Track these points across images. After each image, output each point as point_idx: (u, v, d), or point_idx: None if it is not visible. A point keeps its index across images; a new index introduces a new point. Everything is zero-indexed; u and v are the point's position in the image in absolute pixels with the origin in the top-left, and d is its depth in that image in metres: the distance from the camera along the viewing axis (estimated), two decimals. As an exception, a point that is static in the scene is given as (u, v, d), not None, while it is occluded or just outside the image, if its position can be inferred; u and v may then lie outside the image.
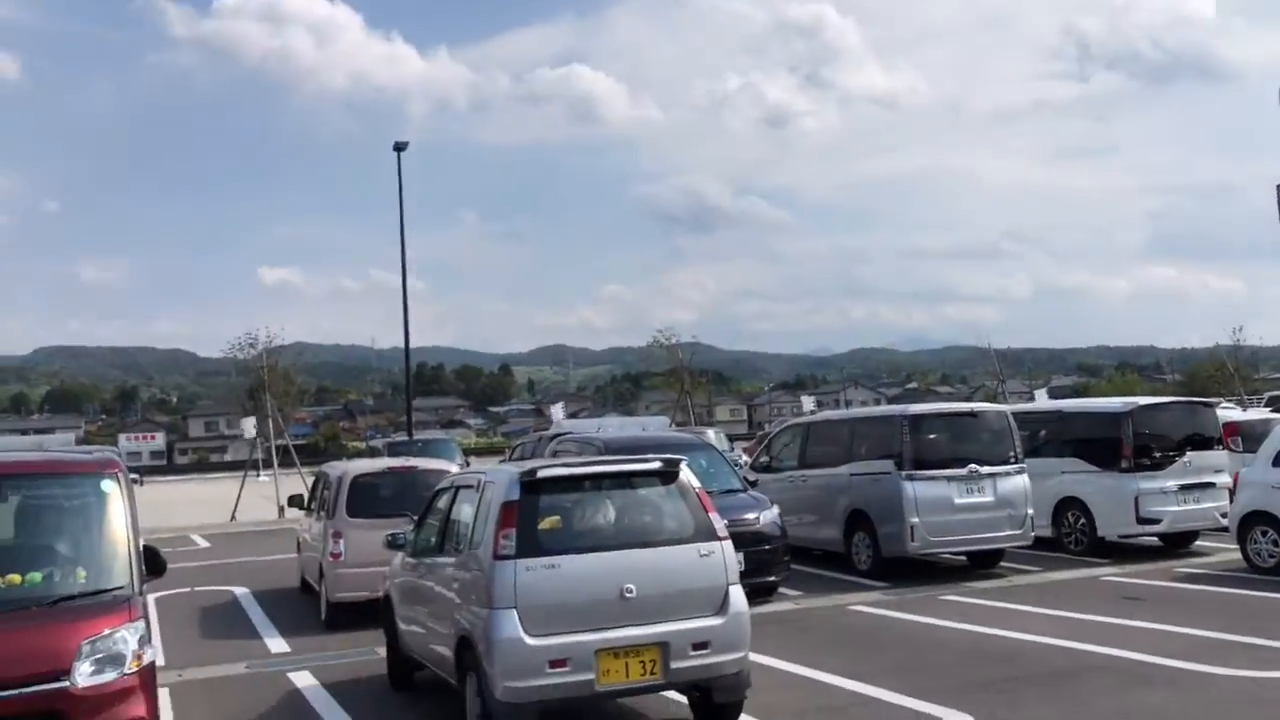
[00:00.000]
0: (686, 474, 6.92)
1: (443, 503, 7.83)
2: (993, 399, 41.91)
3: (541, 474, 6.66)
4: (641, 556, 6.49)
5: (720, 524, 6.79)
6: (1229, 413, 18.09)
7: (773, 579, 11.88)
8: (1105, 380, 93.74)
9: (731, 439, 39.50)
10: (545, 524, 6.50)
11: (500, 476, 6.77)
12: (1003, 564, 13.37)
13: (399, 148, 29.07)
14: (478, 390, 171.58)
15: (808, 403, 53.22)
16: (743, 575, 11.38)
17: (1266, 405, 21.25)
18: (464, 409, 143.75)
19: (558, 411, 42.72)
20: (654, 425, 35.94)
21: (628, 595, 6.31)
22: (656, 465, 6.91)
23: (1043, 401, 25.42)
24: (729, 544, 6.77)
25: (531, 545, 6.33)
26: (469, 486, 7.28)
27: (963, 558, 13.53)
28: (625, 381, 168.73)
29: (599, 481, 6.90)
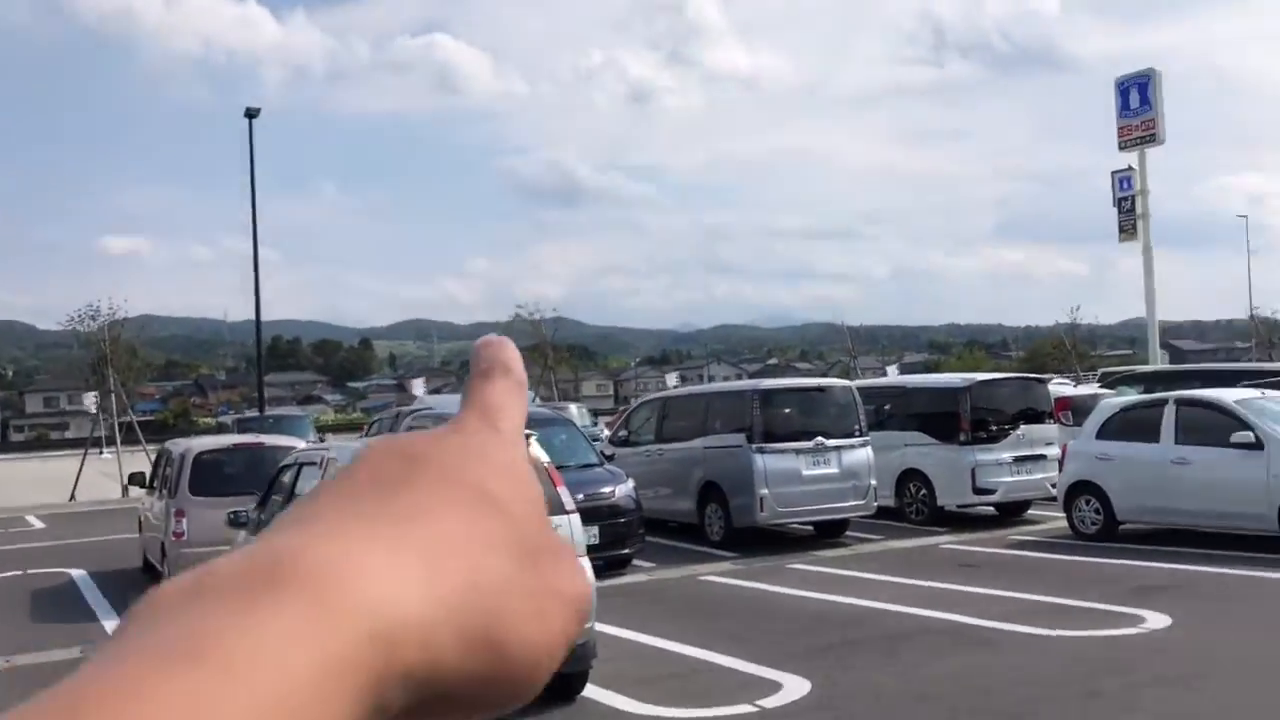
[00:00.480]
0: (535, 448, 6.95)
1: (287, 479, 7.69)
2: (846, 375, 43.20)
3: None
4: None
5: (568, 498, 6.86)
6: (1061, 388, 19.07)
7: (627, 551, 12.06)
8: (955, 357, 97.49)
9: (597, 414, 39.71)
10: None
11: (344, 452, 6.70)
12: (848, 533, 13.83)
13: (250, 114, 28.13)
14: (336, 365, 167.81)
15: (671, 378, 53.97)
16: (598, 548, 11.61)
17: (1098, 382, 22.46)
18: (322, 384, 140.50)
19: (418, 387, 42.27)
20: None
21: (473, 569, 6.32)
22: (504, 440, 6.92)
23: (889, 377, 26.31)
24: (577, 518, 6.85)
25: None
26: (313, 463, 7.18)
27: (810, 527, 13.96)
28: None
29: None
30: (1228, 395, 12.29)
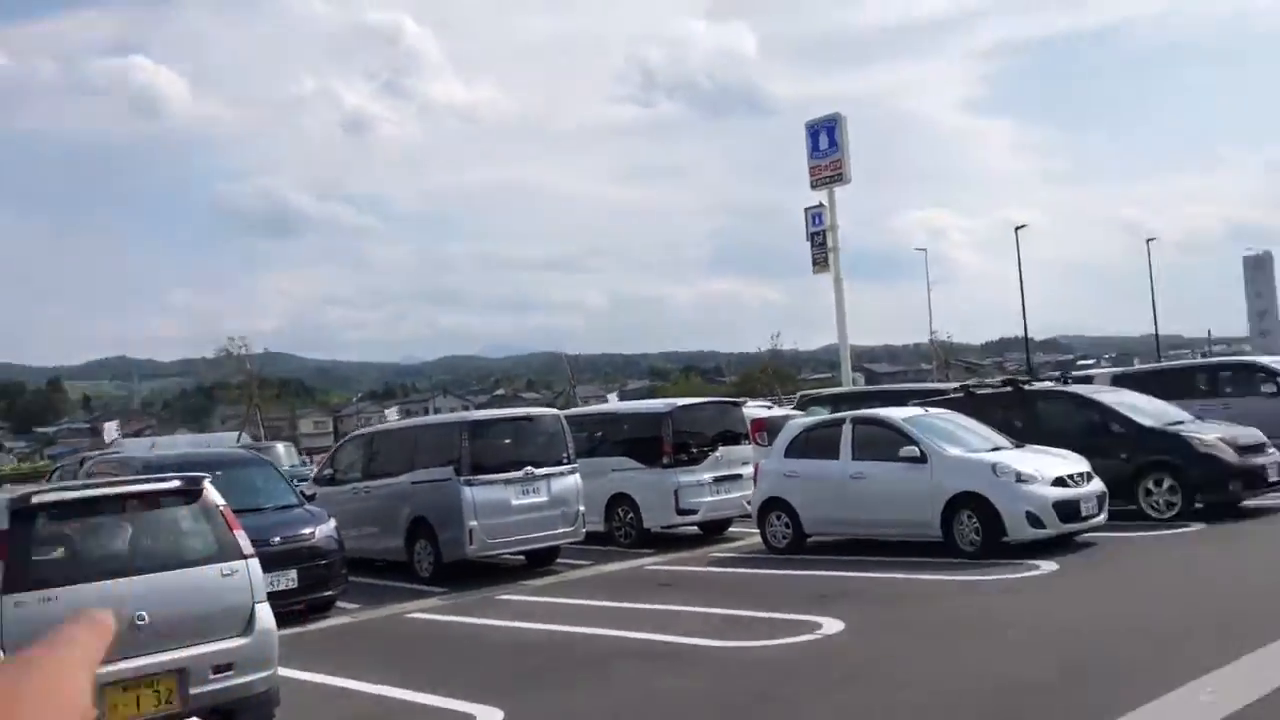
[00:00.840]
0: (210, 492, 6.64)
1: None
2: (568, 403, 43.89)
3: (37, 500, 6.13)
4: (157, 581, 6.16)
5: (245, 542, 6.58)
6: (756, 410, 20.19)
7: (329, 593, 11.69)
8: (672, 383, 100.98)
9: (311, 452, 38.22)
10: (43, 554, 6.00)
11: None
12: (559, 560, 14.01)
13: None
14: (21, 409, 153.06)
15: (391, 413, 52.87)
16: (297, 591, 11.20)
17: (796, 405, 23.88)
18: (3, 430, 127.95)
19: (111, 430, 39.35)
20: (219, 442, 34.10)
21: (139, 623, 5.96)
22: (176, 484, 6.59)
23: (605, 404, 26.91)
24: (255, 562, 6.58)
25: (24, 578, 5.80)
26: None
27: (522, 557, 14.03)
28: (198, 395, 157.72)
29: (110, 504, 6.48)
30: (897, 414, 13.40)
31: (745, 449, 15.77)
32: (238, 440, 33.13)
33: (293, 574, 11.13)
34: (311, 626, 10.90)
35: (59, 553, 6.12)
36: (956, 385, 17.81)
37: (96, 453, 19.99)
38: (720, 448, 15.32)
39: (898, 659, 7.84)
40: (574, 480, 13.73)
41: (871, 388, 27.56)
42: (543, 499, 13.37)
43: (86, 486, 6.87)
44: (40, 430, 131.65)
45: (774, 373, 53.18)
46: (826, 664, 7.80)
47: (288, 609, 11.00)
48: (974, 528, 11.87)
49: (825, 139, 35.82)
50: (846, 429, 13.36)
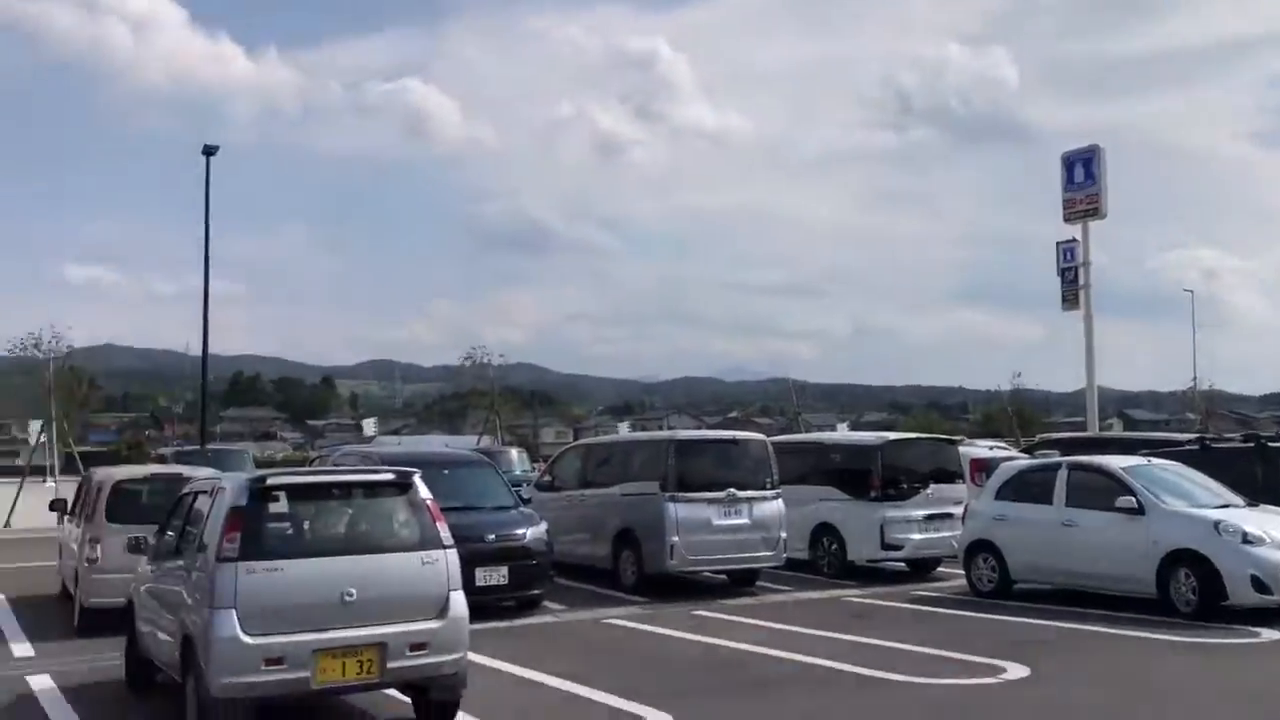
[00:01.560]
0: (419, 486, 7.35)
1: (183, 508, 8.04)
2: (793, 430, 43.92)
3: (272, 481, 7.00)
4: (366, 562, 6.89)
5: (446, 534, 7.22)
6: (976, 450, 19.66)
7: (536, 592, 12.43)
8: (911, 417, 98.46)
9: (550, 459, 40.03)
10: (272, 529, 6.85)
11: (232, 482, 7.07)
12: (760, 583, 14.23)
13: (208, 151, 28.54)
14: (297, 402, 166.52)
15: (623, 428, 54.40)
16: (507, 588, 11.97)
17: (1023, 448, 23.04)
18: (280, 421, 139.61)
19: (370, 427, 42.65)
20: (460, 445, 36.43)
21: (348, 598, 6.69)
22: (389, 477, 7.34)
23: (816, 434, 26.71)
24: (453, 553, 7.20)
25: (256, 549, 6.64)
26: (205, 492, 7.53)
27: (723, 576, 14.35)
28: (453, 400, 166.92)
29: (331, 490, 7.32)
30: (1116, 461, 12.84)
31: (958, 488, 15.48)
32: (476, 444, 35.10)
33: (504, 570, 11.92)
34: (518, 621, 11.62)
35: (286, 529, 6.95)
36: (1192, 437, 16.78)
37: (348, 446, 21.84)
38: (932, 485, 15.10)
39: (1068, 711, 7.65)
40: (776, 505, 13.94)
41: (1110, 434, 26.19)
42: (744, 521, 13.66)
43: (316, 473, 7.75)
44: (312, 423, 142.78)
45: (1015, 413, 50.95)
46: (1001, 707, 7.71)
47: (497, 603, 11.81)
48: (1191, 587, 11.25)
49: (1081, 171, 34.24)
50: (1061, 474, 12.91)
